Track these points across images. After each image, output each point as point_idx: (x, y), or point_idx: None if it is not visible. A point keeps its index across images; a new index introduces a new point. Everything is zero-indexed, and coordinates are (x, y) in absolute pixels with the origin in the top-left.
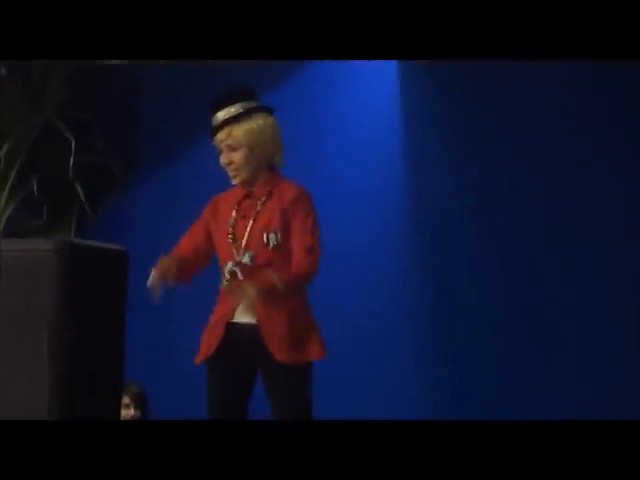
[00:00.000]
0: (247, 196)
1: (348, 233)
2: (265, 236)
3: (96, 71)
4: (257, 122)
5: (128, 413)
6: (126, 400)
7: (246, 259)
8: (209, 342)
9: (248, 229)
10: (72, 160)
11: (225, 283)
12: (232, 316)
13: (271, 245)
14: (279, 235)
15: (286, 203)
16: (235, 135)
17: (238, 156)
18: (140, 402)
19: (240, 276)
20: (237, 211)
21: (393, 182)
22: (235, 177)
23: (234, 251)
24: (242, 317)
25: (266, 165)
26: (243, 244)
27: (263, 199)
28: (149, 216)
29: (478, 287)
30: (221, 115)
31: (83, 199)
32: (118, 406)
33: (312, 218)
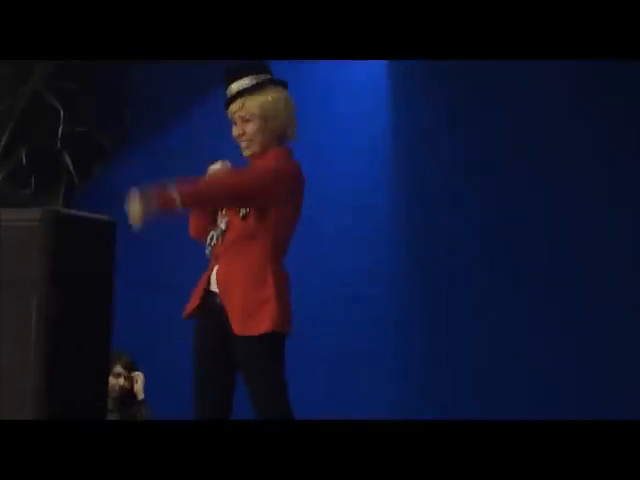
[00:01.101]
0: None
1: (338, 231)
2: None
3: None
4: (271, 95)
5: (117, 383)
6: (118, 369)
7: (222, 225)
8: (191, 302)
9: None
10: (60, 130)
11: (208, 249)
12: (208, 284)
13: (240, 214)
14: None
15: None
16: (248, 106)
17: (250, 127)
18: (130, 372)
19: (218, 242)
20: None
21: (384, 180)
22: (247, 148)
23: (219, 218)
24: (214, 285)
25: (277, 138)
26: (223, 211)
27: None
28: (137, 185)
29: (473, 281)
30: (235, 86)
31: (71, 169)
32: (106, 376)
33: (285, 170)
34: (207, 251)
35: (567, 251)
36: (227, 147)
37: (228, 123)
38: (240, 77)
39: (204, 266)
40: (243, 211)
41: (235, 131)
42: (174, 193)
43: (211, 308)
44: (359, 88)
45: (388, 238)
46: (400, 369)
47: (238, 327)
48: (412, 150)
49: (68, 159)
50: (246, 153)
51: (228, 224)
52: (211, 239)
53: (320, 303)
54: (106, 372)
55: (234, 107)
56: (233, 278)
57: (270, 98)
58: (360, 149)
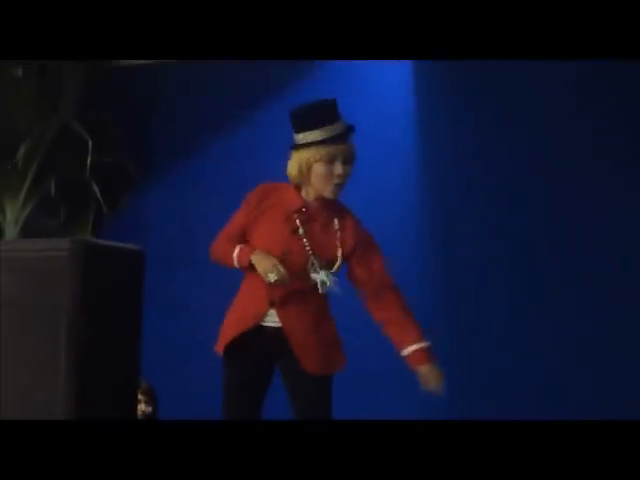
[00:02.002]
0: (304, 208)
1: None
2: (312, 257)
3: (112, 72)
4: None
5: (140, 408)
6: (138, 396)
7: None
8: (233, 332)
9: (303, 252)
10: (89, 160)
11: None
12: (262, 319)
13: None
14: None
15: (349, 245)
16: (353, 149)
17: (348, 171)
18: (151, 398)
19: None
20: (292, 221)
21: (408, 181)
22: (337, 190)
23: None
24: (271, 321)
25: None
26: (294, 261)
27: (322, 220)
28: (165, 216)
29: (491, 287)
30: (343, 126)
31: (100, 199)
32: (134, 405)
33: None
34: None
35: (594, 252)
36: (252, 174)
37: (253, 151)
38: (338, 117)
39: (231, 292)
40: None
41: (337, 170)
42: None
43: (261, 340)
44: (385, 89)
45: (414, 240)
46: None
47: (315, 368)
48: (438, 150)
49: (96, 189)
50: (334, 195)
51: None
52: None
53: (346, 305)
54: (135, 400)
55: (344, 146)
56: (302, 318)
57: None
58: (386, 150)
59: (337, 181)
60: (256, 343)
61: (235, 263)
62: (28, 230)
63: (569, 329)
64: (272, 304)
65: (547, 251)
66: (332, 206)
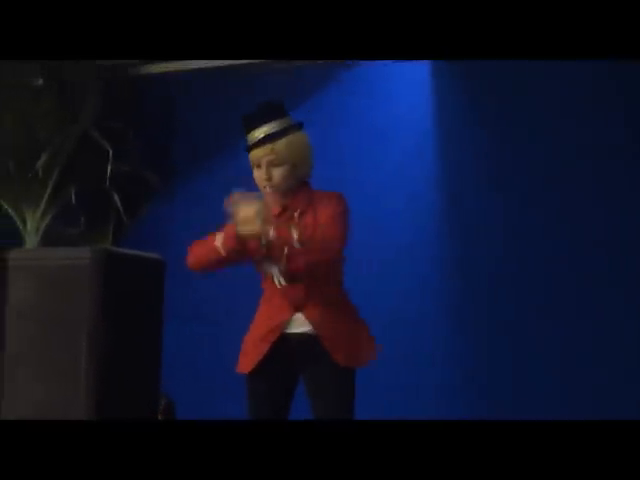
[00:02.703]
0: (283, 209)
1: (384, 234)
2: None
3: (132, 82)
4: (297, 138)
5: None
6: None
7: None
8: (257, 352)
9: (292, 243)
10: (109, 169)
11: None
12: (285, 327)
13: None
14: None
15: (323, 215)
16: (278, 151)
17: (279, 172)
18: (170, 413)
19: (283, 282)
20: (276, 223)
21: (427, 181)
22: (271, 193)
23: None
24: (295, 327)
25: (299, 180)
26: (285, 253)
27: (298, 213)
28: (185, 224)
29: (509, 284)
30: (261, 131)
31: (120, 208)
32: (155, 413)
33: (342, 208)
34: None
35: (614, 252)
36: None
37: None
38: (265, 122)
39: (252, 301)
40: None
41: (260, 175)
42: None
43: (286, 350)
44: (403, 89)
45: (433, 240)
46: (449, 372)
47: (345, 359)
48: (456, 151)
49: (117, 198)
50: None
51: (295, 272)
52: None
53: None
54: (156, 408)
55: (261, 152)
56: (333, 318)
57: (299, 143)
58: (404, 151)
59: (265, 185)
60: (281, 355)
61: (219, 243)
62: (48, 239)
63: (587, 329)
64: (297, 309)
65: (566, 252)
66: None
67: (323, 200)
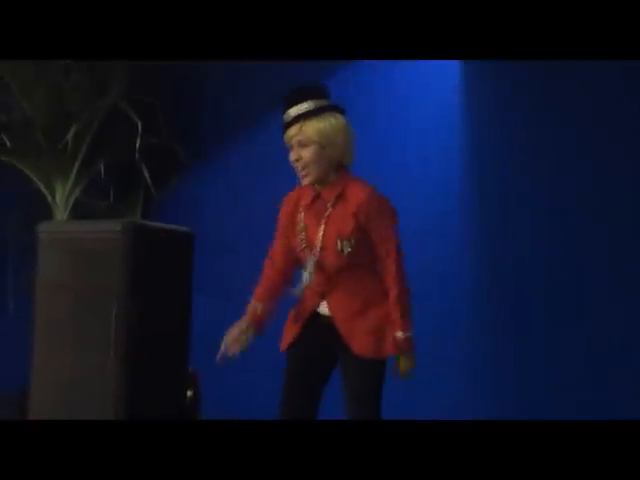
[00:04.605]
0: (316, 197)
1: (409, 234)
2: (339, 243)
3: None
4: (330, 120)
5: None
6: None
7: (311, 266)
8: (291, 333)
9: (320, 234)
10: (138, 142)
11: (298, 289)
12: (316, 308)
13: (345, 253)
14: (353, 241)
15: (356, 206)
16: (306, 131)
17: (307, 153)
18: (194, 383)
19: (311, 281)
20: (307, 214)
21: (456, 182)
22: (305, 176)
23: (308, 254)
24: (324, 311)
25: (335, 165)
26: (318, 247)
27: (332, 201)
28: (214, 198)
29: (538, 282)
30: (294, 111)
31: (149, 181)
32: (182, 384)
33: (388, 222)
34: (296, 291)
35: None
36: None
37: None
38: (299, 101)
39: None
40: (348, 249)
41: (292, 156)
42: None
43: (318, 328)
44: (432, 89)
45: (460, 240)
46: (468, 370)
47: (362, 350)
48: (484, 152)
49: (146, 171)
50: (305, 181)
51: (328, 261)
52: (305, 280)
53: None
54: (184, 378)
55: (292, 131)
56: (353, 307)
57: (328, 124)
58: (432, 149)
59: (296, 166)
60: (314, 333)
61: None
62: (77, 211)
63: (587, 329)
64: (323, 296)
65: (596, 251)
66: (329, 190)
67: (377, 217)
